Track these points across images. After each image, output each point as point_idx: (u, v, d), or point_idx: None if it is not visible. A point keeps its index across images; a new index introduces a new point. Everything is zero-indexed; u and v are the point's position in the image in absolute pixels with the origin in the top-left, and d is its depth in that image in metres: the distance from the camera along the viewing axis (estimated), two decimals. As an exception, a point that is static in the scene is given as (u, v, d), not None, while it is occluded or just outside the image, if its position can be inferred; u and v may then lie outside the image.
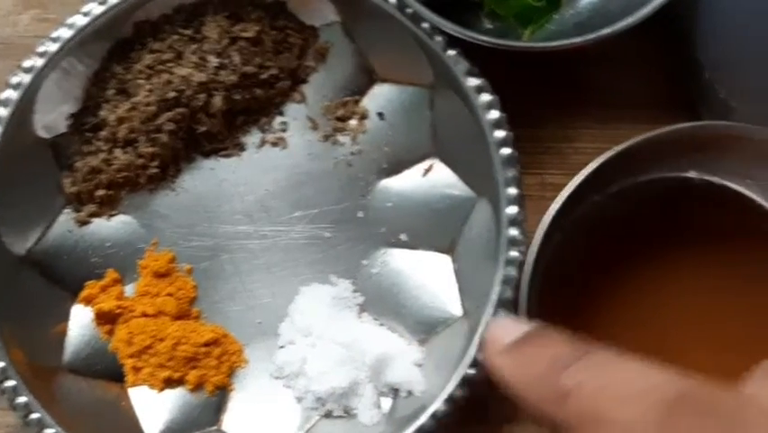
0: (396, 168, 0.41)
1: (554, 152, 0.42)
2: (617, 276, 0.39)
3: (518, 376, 0.26)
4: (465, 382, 0.36)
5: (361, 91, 0.41)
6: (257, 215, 0.41)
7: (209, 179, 0.41)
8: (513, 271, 0.36)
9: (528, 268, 0.35)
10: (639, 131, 0.42)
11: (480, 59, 0.41)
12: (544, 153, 0.42)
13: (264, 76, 0.40)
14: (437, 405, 0.35)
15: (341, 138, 0.41)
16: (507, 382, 0.26)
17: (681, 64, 0.40)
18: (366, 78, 0.41)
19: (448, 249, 0.40)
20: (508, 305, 0.36)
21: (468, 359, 0.36)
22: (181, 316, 0.40)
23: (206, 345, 0.40)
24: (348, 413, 0.38)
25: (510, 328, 0.27)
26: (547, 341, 0.26)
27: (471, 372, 0.36)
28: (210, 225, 0.41)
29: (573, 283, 0.39)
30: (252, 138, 0.41)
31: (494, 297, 0.36)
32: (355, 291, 0.40)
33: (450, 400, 0.35)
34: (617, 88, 0.42)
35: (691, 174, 0.39)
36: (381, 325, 0.40)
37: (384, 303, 0.40)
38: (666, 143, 0.37)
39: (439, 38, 0.37)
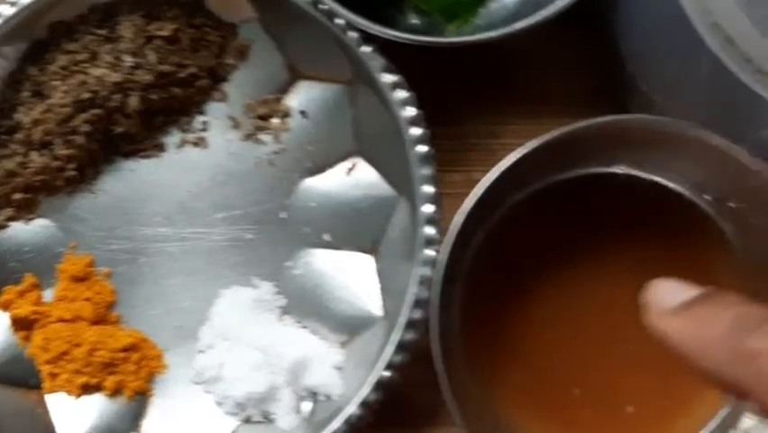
0: (319, 167, 0.40)
1: (481, 149, 0.42)
2: (544, 273, 0.38)
3: (693, 338, 0.25)
4: (380, 385, 0.35)
5: (284, 89, 0.40)
6: (177, 217, 0.40)
7: (129, 180, 0.40)
8: (429, 271, 0.35)
9: (441, 267, 0.34)
10: (565, 125, 0.41)
11: (402, 55, 0.41)
12: (470, 150, 0.42)
13: (182, 75, 0.39)
14: (351, 409, 0.35)
15: (263, 137, 0.40)
16: (679, 343, 0.25)
17: (605, 57, 0.39)
18: (288, 76, 0.40)
19: (371, 249, 0.39)
20: (425, 305, 0.35)
21: (383, 362, 0.35)
22: (99, 321, 0.39)
23: (124, 350, 0.39)
24: (267, 418, 0.38)
25: (677, 290, 0.27)
26: (725, 302, 0.25)
27: (387, 374, 0.35)
28: (129, 228, 0.40)
29: (499, 281, 0.38)
30: (173, 138, 0.41)
31: (410, 297, 0.35)
32: (277, 294, 0.39)
33: (364, 404, 0.35)
34: (543, 82, 0.42)
35: (617, 169, 0.38)
36: (304, 327, 0.39)
37: (307, 305, 0.39)
38: (586, 138, 0.36)
39: (353, 34, 0.36)
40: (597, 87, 0.41)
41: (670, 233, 0.39)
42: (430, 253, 0.35)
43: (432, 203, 0.36)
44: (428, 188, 0.36)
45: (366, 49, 0.36)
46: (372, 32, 0.36)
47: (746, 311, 0.24)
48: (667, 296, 0.27)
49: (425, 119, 0.40)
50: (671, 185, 0.38)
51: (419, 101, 0.41)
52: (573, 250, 0.39)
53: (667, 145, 0.36)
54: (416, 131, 0.36)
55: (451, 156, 0.41)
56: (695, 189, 0.38)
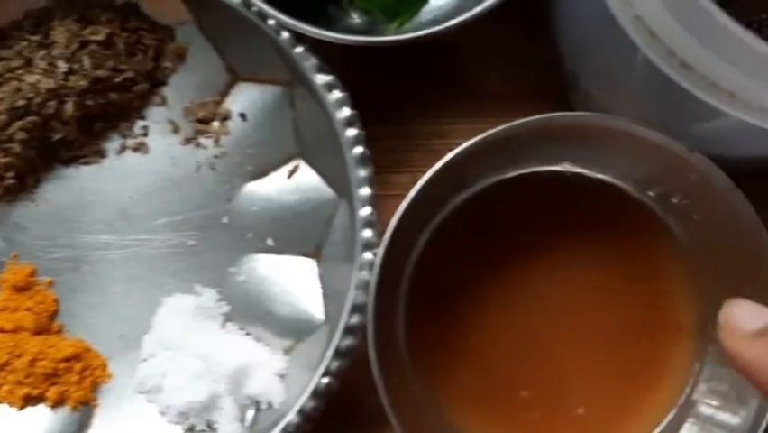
0: (261, 170, 0.39)
1: (426, 149, 0.41)
2: (491, 273, 0.38)
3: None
4: (318, 392, 0.34)
5: (223, 92, 0.40)
6: (119, 223, 0.40)
7: (70, 188, 0.40)
8: (367, 275, 0.35)
9: (377, 270, 0.33)
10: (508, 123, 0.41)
11: (345, 55, 0.40)
12: (415, 151, 0.41)
13: (118, 79, 0.39)
14: (289, 417, 0.34)
15: (203, 141, 0.40)
16: (755, 369, 0.25)
17: (548, 52, 0.39)
18: (227, 78, 0.40)
19: (314, 253, 0.39)
20: (364, 310, 0.34)
21: (322, 369, 0.34)
22: (41, 331, 0.39)
23: (67, 360, 0.38)
24: (210, 427, 0.37)
25: (756, 313, 0.27)
26: None
27: (325, 381, 0.34)
28: (71, 236, 0.40)
29: (445, 283, 0.38)
30: (113, 144, 0.40)
31: (349, 302, 0.35)
32: (220, 300, 0.39)
33: (301, 412, 0.34)
34: (488, 79, 0.41)
35: (561, 167, 0.38)
36: (247, 334, 0.38)
37: (250, 311, 0.39)
38: (526, 136, 0.35)
39: (286, 34, 0.36)
40: (542, 81, 0.40)
41: (617, 230, 0.38)
42: (368, 256, 0.35)
43: (369, 205, 0.35)
44: (365, 191, 0.35)
45: (299, 49, 0.36)
46: (304, 32, 0.35)
47: None
48: (747, 319, 0.27)
49: (371, 120, 0.40)
50: (615, 182, 0.37)
51: (362, 101, 0.40)
52: (520, 249, 0.38)
53: (607, 142, 0.35)
54: (351, 132, 0.36)
55: (396, 156, 0.41)
56: (640, 186, 0.37)
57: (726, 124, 0.29)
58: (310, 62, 0.36)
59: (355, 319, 0.35)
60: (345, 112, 0.36)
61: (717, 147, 0.33)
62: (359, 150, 0.36)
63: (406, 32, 0.39)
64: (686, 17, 0.25)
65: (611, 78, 0.34)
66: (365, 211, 0.35)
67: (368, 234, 0.35)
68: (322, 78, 0.36)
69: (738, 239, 0.34)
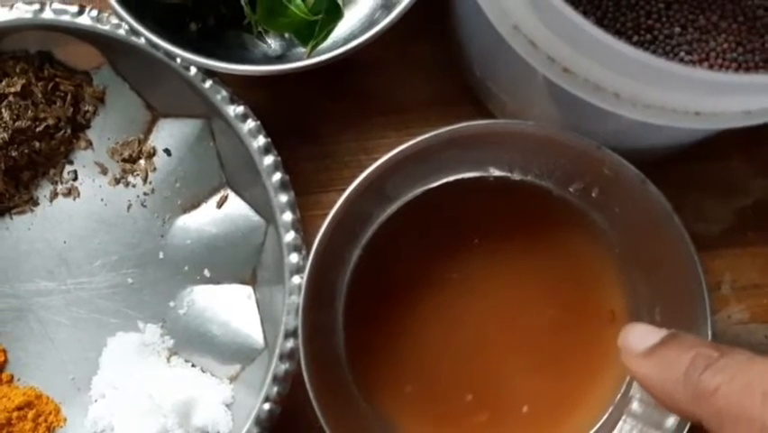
0: (191, 203, 0.40)
1: (354, 166, 0.41)
2: (425, 283, 0.38)
3: (660, 379, 0.27)
4: (261, 420, 0.35)
5: (146, 129, 0.40)
6: (57, 269, 0.40)
7: (5, 239, 0.40)
8: (297, 299, 0.35)
9: (303, 293, 0.34)
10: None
11: (263, 81, 0.40)
12: (343, 168, 0.41)
13: (40, 128, 0.39)
14: (234, 446, 0.35)
15: (132, 179, 0.40)
16: (649, 384, 0.28)
17: (460, 61, 0.39)
18: (148, 116, 0.40)
19: (250, 279, 0.39)
20: (296, 334, 0.35)
21: (263, 395, 0.35)
22: (-8, 383, 0.39)
23: (20, 408, 0.39)
24: (163, 461, 0.38)
25: (646, 334, 0.29)
26: (684, 344, 0.27)
27: (267, 407, 0.35)
28: (12, 286, 0.40)
29: (380, 297, 0.38)
30: (43, 191, 0.40)
31: (282, 327, 0.35)
32: (164, 335, 0.39)
33: (245, 439, 0.35)
34: (409, 91, 0.41)
35: (485, 172, 0.38)
36: (192, 366, 0.39)
37: (194, 343, 0.39)
38: (442, 147, 0.36)
39: (194, 70, 0.36)
40: (462, 87, 0.41)
41: (543, 228, 0.39)
42: (297, 280, 0.35)
43: (293, 230, 0.36)
44: (288, 216, 0.36)
45: (208, 83, 0.36)
46: (209, 67, 0.35)
47: (701, 351, 0.26)
48: (637, 340, 0.29)
49: (296, 141, 0.40)
50: (537, 182, 0.38)
51: (286, 124, 0.40)
52: (452, 256, 0.38)
53: (521, 145, 0.36)
54: (269, 159, 0.36)
55: (325, 175, 0.41)
56: (560, 184, 0.37)
57: (624, 121, 0.30)
58: (221, 95, 0.36)
59: (290, 344, 0.35)
60: (260, 140, 0.36)
61: (623, 141, 0.33)
62: (278, 176, 0.36)
63: (320, 53, 0.40)
64: (555, 25, 0.26)
65: (515, 85, 0.34)
66: (290, 236, 0.36)
67: (294, 258, 0.36)
68: (234, 110, 0.36)
69: (654, 226, 0.35)
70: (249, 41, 0.41)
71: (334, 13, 0.41)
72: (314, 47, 0.40)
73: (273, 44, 0.41)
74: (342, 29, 0.41)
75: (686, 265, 0.34)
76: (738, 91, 0.26)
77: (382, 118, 0.41)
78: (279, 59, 0.41)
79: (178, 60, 0.36)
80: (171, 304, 0.39)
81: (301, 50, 0.41)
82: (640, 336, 0.29)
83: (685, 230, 0.34)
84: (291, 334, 0.35)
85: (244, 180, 0.38)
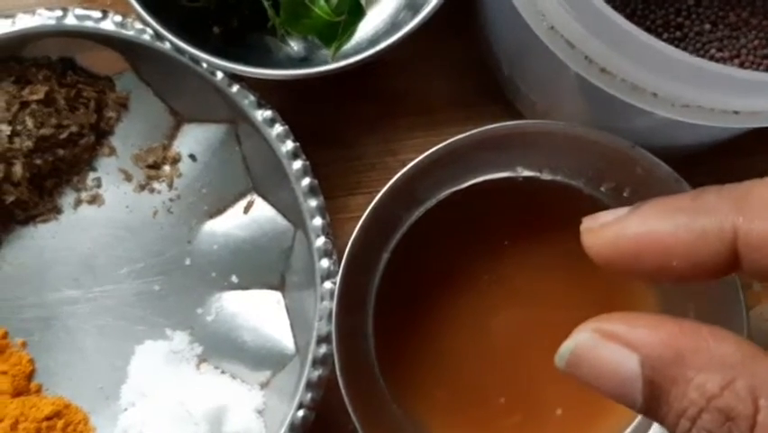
0: (217, 209, 0.40)
1: (381, 168, 0.41)
2: (455, 286, 0.38)
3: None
4: (295, 427, 0.35)
5: (170, 135, 0.40)
6: (83, 277, 0.40)
7: (30, 247, 0.40)
8: (329, 304, 0.35)
9: (337, 299, 0.34)
10: (464, 132, 0.41)
11: (288, 85, 0.40)
12: (370, 171, 0.41)
13: (64, 135, 0.39)
14: (269, 453, 0.34)
15: (157, 186, 0.40)
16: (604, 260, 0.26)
17: (488, 60, 0.38)
18: (172, 121, 0.40)
19: (278, 285, 0.39)
20: (330, 339, 0.35)
21: (296, 401, 0.35)
22: (20, 392, 0.39)
23: (48, 418, 0.39)
24: (195, 469, 0.37)
25: (601, 215, 0.26)
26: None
27: (300, 414, 0.35)
28: (38, 295, 0.40)
29: (411, 301, 0.38)
30: (67, 199, 0.40)
31: (315, 333, 0.35)
32: (192, 342, 0.39)
33: (280, 447, 0.34)
34: (434, 90, 0.41)
35: (512, 173, 0.38)
36: (222, 373, 0.39)
37: (223, 350, 0.39)
38: (472, 148, 0.35)
39: (221, 75, 0.36)
40: (488, 86, 0.40)
41: (575, 228, 0.38)
42: (329, 285, 0.35)
43: (323, 235, 0.35)
44: (318, 221, 0.35)
45: (235, 88, 0.36)
46: (235, 71, 0.35)
47: None
48: (595, 219, 0.26)
49: (322, 144, 0.40)
50: (568, 181, 0.37)
51: (311, 127, 0.40)
52: (482, 258, 0.38)
53: (552, 145, 0.35)
54: (297, 164, 0.36)
55: (352, 179, 0.41)
56: (591, 183, 0.37)
57: (659, 120, 0.29)
58: (248, 100, 0.36)
59: (323, 350, 0.35)
60: (289, 145, 0.36)
61: (654, 139, 0.33)
62: (307, 181, 0.36)
63: (345, 55, 0.39)
64: (593, 26, 0.26)
65: (546, 84, 0.34)
66: (320, 241, 0.35)
67: (325, 263, 0.35)
68: (262, 114, 0.36)
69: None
70: (272, 43, 0.40)
71: (357, 14, 0.41)
72: (337, 48, 0.40)
73: (296, 47, 0.41)
74: (365, 29, 0.41)
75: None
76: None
77: (409, 119, 0.41)
78: (303, 61, 0.41)
79: (204, 65, 0.36)
80: (199, 311, 0.39)
81: (325, 52, 0.41)
82: (597, 217, 0.26)
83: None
84: (324, 339, 0.35)
85: (271, 185, 0.38)
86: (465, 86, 0.40)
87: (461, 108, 0.40)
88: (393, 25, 0.40)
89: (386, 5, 0.41)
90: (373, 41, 0.41)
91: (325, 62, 0.38)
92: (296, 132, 0.38)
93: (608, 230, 0.26)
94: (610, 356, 0.23)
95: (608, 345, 0.23)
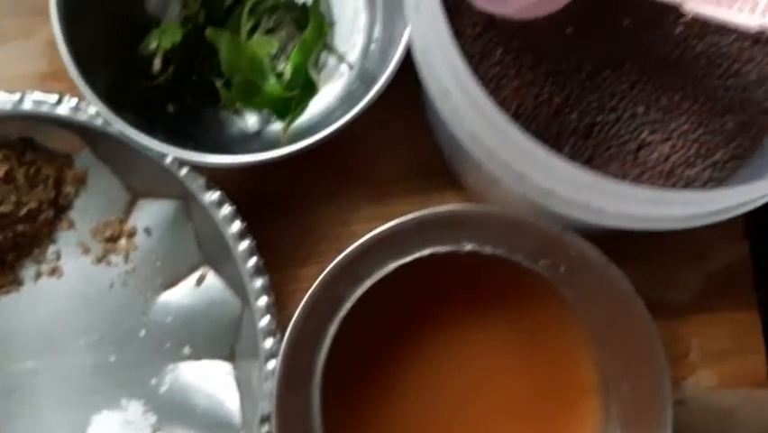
0: (171, 281, 0.41)
1: (333, 239, 0.42)
2: (403, 357, 0.39)
3: None
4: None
5: (126, 210, 0.41)
6: (44, 348, 0.41)
7: (-8, 319, 0.41)
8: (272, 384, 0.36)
9: (276, 380, 0.35)
10: (412, 204, 0.42)
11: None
12: (322, 241, 0.42)
13: (23, 212, 0.40)
14: None
15: (113, 258, 0.41)
16: None
17: (433, 136, 0.40)
18: (128, 197, 0.41)
19: (229, 356, 0.40)
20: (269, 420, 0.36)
21: (241, 477, 0.36)
22: (-20, 461, 0.40)
23: (8, 486, 0.40)
24: None
25: None
26: None
27: (245, 489, 0.36)
28: (1, 366, 0.41)
29: (360, 373, 0.39)
30: (28, 271, 0.41)
31: (259, 411, 0.36)
32: (146, 412, 0.40)
33: None
34: (385, 163, 0.42)
35: (458, 247, 0.39)
36: (175, 442, 0.40)
37: (176, 420, 0.40)
38: (415, 228, 0.36)
39: (169, 158, 0.37)
40: (435, 160, 0.41)
41: (516, 300, 0.39)
42: (272, 364, 0.36)
43: (268, 314, 0.37)
44: (262, 300, 0.37)
45: (184, 171, 0.37)
46: (181, 158, 0.36)
47: None
48: None
49: (273, 215, 0.41)
50: (508, 256, 0.38)
51: (263, 198, 0.41)
52: (428, 330, 0.39)
53: (492, 225, 0.36)
54: (243, 245, 0.37)
55: (303, 250, 0.42)
56: (530, 258, 0.38)
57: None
58: (197, 183, 0.37)
59: (266, 428, 0.36)
60: (235, 227, 0.37)
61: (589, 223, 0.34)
62: (253, 261, 0.37)
63: (299, 130, 0.41)
64: (504, 141, 0.27)
65: (478, 173, 0.35)
66: (264, 321, 0.36)
67: (269, 343, 0.36)
68: (209, 197, 0.37)
69: (619, 304, 0.35)
70: (226, 117, 0.42)
71: (310, 89, 0.42)
72: (290, 122, 0.41)
73: (250, 120, 0.42)
74: (319, 104, 0.42)
75: (648, 343, 0.35)
76: (677, 204, 0.26)
77: (359, 190, 0.42)
78: (257, 135, 0.42)
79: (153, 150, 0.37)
80: (153, 381, 0.40)
81: (278, 125, 0.42)
82: None
83: (647, 309, 0.35)
84: (267, 418, 0.36)
85: (221, 260, 0.39)
86: (415, 158, 0.41)
87: (411, 180, 0.42)
88: (347, 97, 0.41)
89: (338, 80, 0.42)
90: (325, 113, 0.42)
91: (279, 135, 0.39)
92: (247, 203, 0.39)
93: None
94: None
95: None
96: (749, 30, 0.27)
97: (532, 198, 0.28)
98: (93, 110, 0.38)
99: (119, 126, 0.36)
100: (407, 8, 0.29)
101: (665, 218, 0.28)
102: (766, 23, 0.27)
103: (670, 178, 0.36)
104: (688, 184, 0.36)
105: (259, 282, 0.37)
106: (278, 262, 0.41)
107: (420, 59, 0.30)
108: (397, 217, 0.36)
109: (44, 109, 0.38)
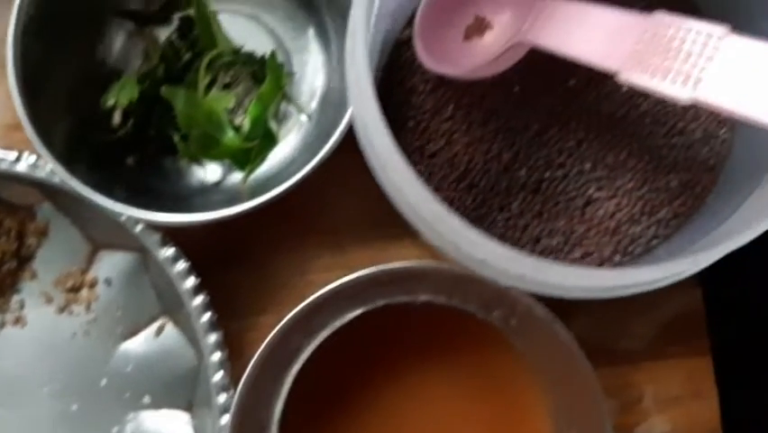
0: (131, 331, 0.41)
1: (291, 287, 0.43)
2: (355, 408, 0.40)
3: None
4: None
5: (87, 260, 0.42)
6: (7, 398, 0.42)
7: (-43, 368, 0.42)
8: (226, 437, 0.36)
9: (229, 430, 0.35)
10: (371, 252, 0.43)
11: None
12: (281, 290, 0.43)
13: (-15, 263, 0.41)
14: None
15: (75, 308, 0.42)
16: None
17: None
18: (89, 248, 0.42)
19: (187, 406, 0.41)
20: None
21: None
22: (-56, 509, 0.41)
23: None
24: None
25: None
26: None
27: None
28: (-35, 414, 0.42)
29: (316, 426, 0.39)
30: (-8, 321, 0.42)
31: (213, 464, 0.37)
32: (107, 460, 0.41)
33: None
34: (342, 213, 0.42)
35: (411, 298, 0.39)
36: (135, 491, 0.40)
37: (137, 468, 0.41)
38: (372, 280, 0.37)
39: (124, 216, 0.38)
40: (392, 209, 0.42)
41: (469, 349, 0.40)
42: (226, 420, 0.37)
43: (221, 369, 0.37)
44: (216, 356, 0.37)
45: (140, 227, 0.38)
46: (137, 217, 0.37)
47: None
48: None
49: (233, 264, 0.42)
50: (462, 307, 0.39)
51: (222, 246, 0.42)
52: (384, 380, 0.40)
53: (446, 278, 0.37)
54: (197, 300, 0.37)
55: (262, 299, 0.42)
56: (484, 309, 0.39)
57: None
58: (152, 239, 0.38)
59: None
60: (189, 282, 0.38)
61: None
62: (206, 317, 0.37)
63: (257, 181, 0.41)
64: (433, 216, 0.27)
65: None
66: (217, 376, 0.37)
67: (222, 398, 0.37)
68: (164, 253, 0.38)
69: (566, 357, 0.36)
70: (186, 168, 0.42)
71: (269, 140, 0.43)
72: (250, 172, 0.42)
73: (211, 170, 0.43)
74: (279, 154, 0.43)
75: (591, 393, 0.36)
76: (603, 279, 0.27)
77: (317, 238, 0.42)
78: (217, 185, 0.43)
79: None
80: (115, 430, 0.41)
81: (239, 175, 0.42)
82: None
83: (589, 361, 0.36)
84: (221, 471, 0.36)
85: (178, 313, 0.40)
86: (373, 207, 0.41)
87: (368, 229, 0.42)
88: (306, 147, 0.42)
89: (298, 131, 0.43)
90: (287, 164, 0.43)
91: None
92: (205, 253, 0.39)
93: None
94: None
95: None
96: (680, 102, 0.28)
97: (468, 265, 0.29)
98: (50, 167, 0.38)
99: (74, 185, 0.36)
100: (349, 82, 0.30)
101: (595, 289, 0.28)
102: (697, 95, 0.28)
103: (615, 234, 0.37)
104: (633, 241, 0.37)
105: (212, 338, 0.37)
106: (238, 310, 0.42)
107: (360, 132, 0.30)
108: (355, 266, 0.37)
109: (4, 166, 0.39)
